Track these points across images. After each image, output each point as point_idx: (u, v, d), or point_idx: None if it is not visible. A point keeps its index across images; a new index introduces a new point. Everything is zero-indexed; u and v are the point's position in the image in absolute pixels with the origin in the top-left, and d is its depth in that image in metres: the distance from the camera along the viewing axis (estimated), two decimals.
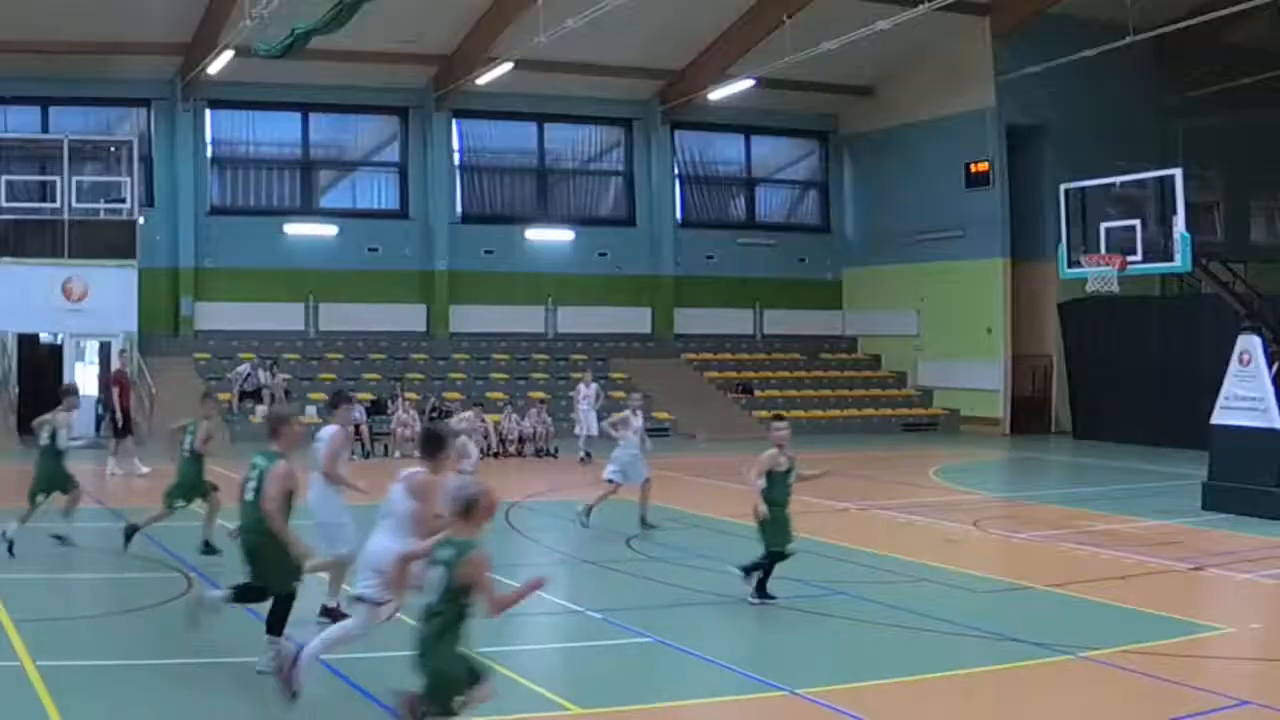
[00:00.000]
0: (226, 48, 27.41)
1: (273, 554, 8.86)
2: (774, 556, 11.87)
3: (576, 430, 26.76)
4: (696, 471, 22.94)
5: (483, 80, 31.57)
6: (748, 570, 11.82)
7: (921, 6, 25.71)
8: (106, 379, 24.31)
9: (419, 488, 8.22)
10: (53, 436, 14.35)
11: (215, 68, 28.79)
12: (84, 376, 29.36)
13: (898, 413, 34.74)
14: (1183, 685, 9.13)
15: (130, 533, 13.78)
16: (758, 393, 34.50)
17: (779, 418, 12.35)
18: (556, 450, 26.65)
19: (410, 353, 33.46)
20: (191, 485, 13.85)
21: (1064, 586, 12.63)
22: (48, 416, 14.46)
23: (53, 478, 14.25)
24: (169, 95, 32.20)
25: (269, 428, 9.37)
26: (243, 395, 29.45)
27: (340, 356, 32.74)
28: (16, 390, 28.48)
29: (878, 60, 33.46)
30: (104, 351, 29.33)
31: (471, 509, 6.72)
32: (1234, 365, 18.34)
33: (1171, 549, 15.01)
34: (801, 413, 34.23)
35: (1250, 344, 18.19)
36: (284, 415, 9.55)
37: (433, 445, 8.49)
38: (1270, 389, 17.86)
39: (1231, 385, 18.31)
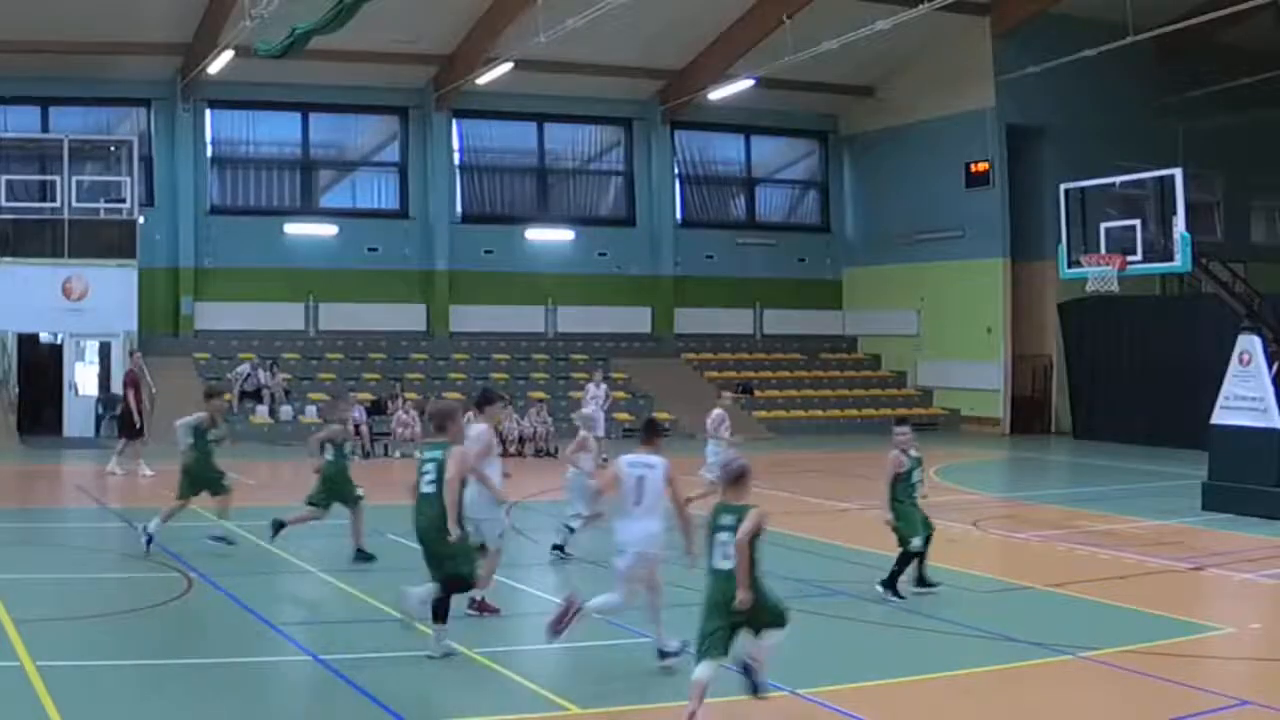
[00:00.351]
0: (226, 48, 27.40)
1: (451, 544, 9.54)
2: (910, 554, 12.11)
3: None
4: (696, 471, 22.88)
5: (483, 80, 31.57)
6: (889, 584, 12.02)
7: (921, 6, 25.71)
8: (123, 379, 24.36)
9: (671, 474, 9.34)
10: (202, 434, 14.38)
11: (215, 68, 28.79)
12: (85, 376, 29.43)
13: (898, 413, 34.65)
14: (1183, 685, 9.13)
15: (361, 555, 13.57)
16: (758, 393, 34.49)
17: (901, 421, 12.69)
18: (556, 450, 26.61)
19: (410, 353, 33.46)
20: (341, 487, 13.85)
21: (1064, 586, 12.63)
22: (203, 415, 14.43)
23: (203, 476, 14.27)
24: (169, 95, 32.19)
25: (436, 423, 10.11)
26: (243, 395, 29.45)
27: (340, 356, 32.73)
28: (16, 390, 28.51)
29: (878, 60, 33.46)
30: (104, 351, 29.36)
31: (743, 479, 8.10)
32: (1234, 365, 18.34)
33: (1171, 549, 15.01)
34: (802, 413, 34.28)
35: (1250, 344, 18.18)
36: (450, 410, 10.32)
37: (653, 432, 9.69)
38: (1270, 389, 17.86)
39: (1231, 385, 18.31)
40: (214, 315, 32.50)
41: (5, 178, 29.26)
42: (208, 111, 33.04)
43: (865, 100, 37.05)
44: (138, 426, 22.26)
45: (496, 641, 10.15)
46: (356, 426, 26.05)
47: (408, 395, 28.52)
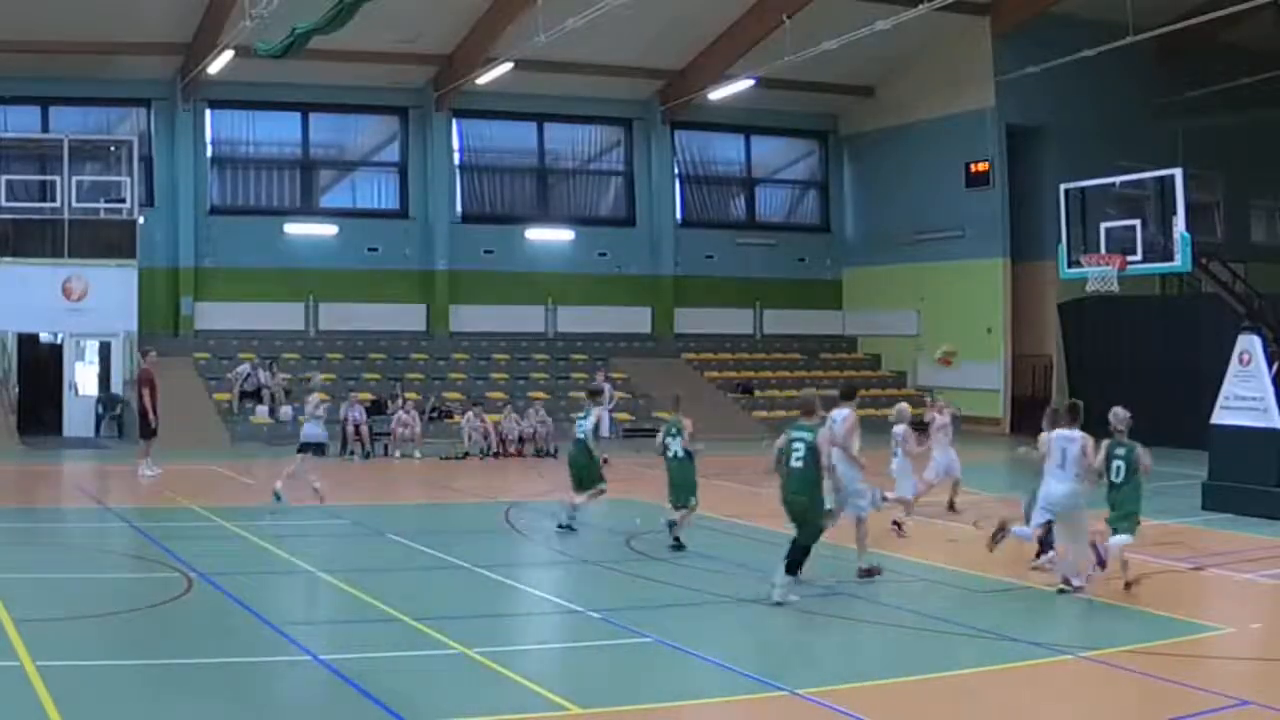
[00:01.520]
0: (226, 48, 27.40)
1: (814, 513, 11.53)
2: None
3: None
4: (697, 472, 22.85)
5: (483, 80, 31.56)
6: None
7: (921, 6, 25.71)
8: (137, 377, 24.39)
9: (1089, 448, 11.98)
10: (595, 432, 15.87)
11: (215, 68, 28.78)
12: (85, 376, 29.41)
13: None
14: (1183, 685, 9.12)
15: (671, 526, 14.53)
16: (758, 393, 34.48)
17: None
18: (556, 450, 26.61)
19: (410, 353, 33.45)
20: (689, 485, 14.67)
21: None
22: (599, 410, 16.38)
23: (582, 470, 15.61)
24: (169, 95, 32.19)
25: (804, 409, 11.95)
26: (243, 395, 29.44)
27: (340, 356, 32.71)
28: (16, 390, 28.50)
29: (878, 60, 33.45)
30: (104, 351, 29.35)
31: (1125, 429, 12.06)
32: (1234, 365, 18.32)
33: (1171, 549, 14.99)
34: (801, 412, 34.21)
35: (1250, 344, 18.17)
36: (814, 399, 12.16)
37: (1075, 412, 12.28)
38: (1270, 389, 17.84)
39: (1231, 385, 18.29)
40: (214, 315, 32.49)
41: (5, 178, 29.22)
42: (208, 111, 33.03)
43: (865, 100, 37.05)
44: (152, 425, 22.32)
45: (496, 641, 10.15)
46: (357, 427, 26.06)
47: (408, 395, 28.51)
